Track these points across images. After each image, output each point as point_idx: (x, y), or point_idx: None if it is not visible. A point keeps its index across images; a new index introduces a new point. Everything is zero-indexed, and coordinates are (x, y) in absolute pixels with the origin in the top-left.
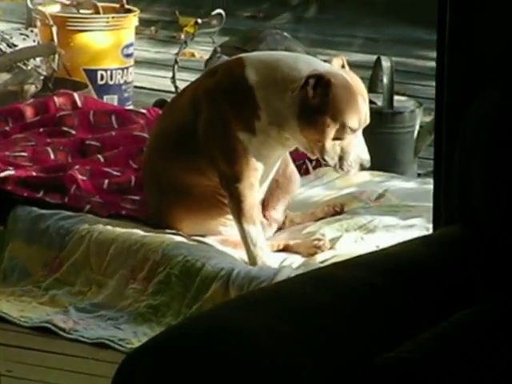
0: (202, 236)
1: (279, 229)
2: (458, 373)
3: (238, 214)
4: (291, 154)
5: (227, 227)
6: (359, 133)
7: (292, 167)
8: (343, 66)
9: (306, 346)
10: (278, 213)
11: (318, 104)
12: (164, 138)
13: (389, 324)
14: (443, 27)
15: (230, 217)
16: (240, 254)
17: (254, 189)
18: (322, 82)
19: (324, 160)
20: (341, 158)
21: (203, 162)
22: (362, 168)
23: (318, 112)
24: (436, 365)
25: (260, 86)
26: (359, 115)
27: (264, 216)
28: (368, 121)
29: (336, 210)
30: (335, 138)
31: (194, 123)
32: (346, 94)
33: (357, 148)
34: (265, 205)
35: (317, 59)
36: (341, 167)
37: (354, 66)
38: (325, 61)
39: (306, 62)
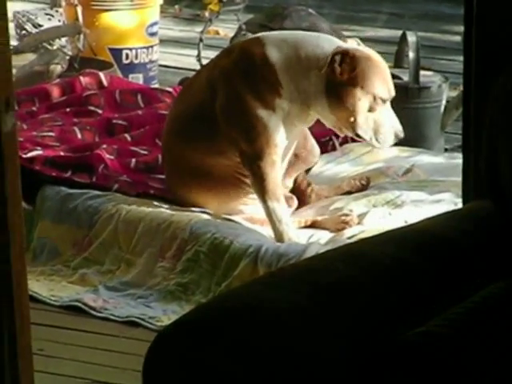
0: (227, 215)
1: (303, 203)
2: (487, 348)
3: (262, 192)
4: (317, 131)
5: (248, 206)
6: (389, 104)
7: (312, 140)
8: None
9: (336, 322)
10: (289, 181)
11: (346, 79)
12: (182, 120)
13: (418, 300)
14: (470, 0)
15: (251, 196)
16: (268, 232)
17: (275, 166)
18: (347, 58)
19: (357, 136)
20: (375, 132)
21: (223, 143)
22: (397, 139)
23: (347, 87)
24: (466, 340)
25: (282, 64)
26: (388, 85)
27: None
28: (393, 93)
29: (362, 184)
30: (368, 111)
31: (211, 104)
32: (372, 66)
33: (389, 119)
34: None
35: (337, 39)
36: (376, 140)
37: (379, 41)
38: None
39: (328, 40)
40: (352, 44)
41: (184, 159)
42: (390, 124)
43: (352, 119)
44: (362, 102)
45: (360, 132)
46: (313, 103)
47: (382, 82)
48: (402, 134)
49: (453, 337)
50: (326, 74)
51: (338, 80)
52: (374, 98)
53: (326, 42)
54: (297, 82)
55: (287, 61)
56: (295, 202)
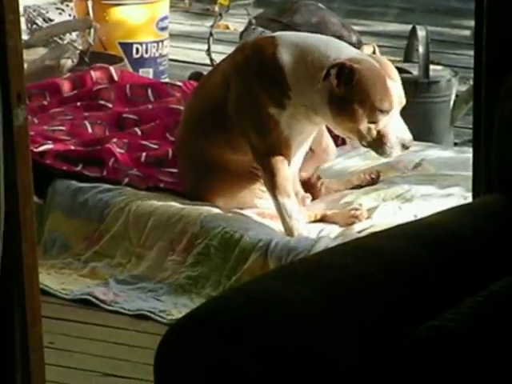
0: (239, 209)
1: (313, 197)
2: (497, 341)
3: (272, 188)
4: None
5: (262, 199)
6: (395, 114)
7: (328, 138)
8: (374, 53)
9: (347, 318)
10: (306, 174)
11: (344, 92)
12: (197, 113)
13: (429, 294)
14: None
15: (264, 189)
16: (278, 226)
17: (286, 162)
18: (344, 70)
19: (363, 145)
20: (380, 142)
21: (236, 137)
22: (406, 148)
23: (345, 100)
24: (476, 333)
25: (291, 68)
26: (389, 96)
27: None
28: (403, 102)
29: (372, 178)
30: (369, 123)
31: (225, 99)
32: (371, 78)
33: (395, 129)
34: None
35: (348, 45)
36: (382, 151)
37: (389, 36)
38: (358, 47)
39: (337, 48)
40: (367, 50)
41: (198, 152)
42: (395, 134)
43: (354, 130)
44: (360, 114)
45: (363, 142)
46: (318, 110)
47: (381, 93)
48: (410, 144)
49: (463, 330)
50: (327, 85)
51: (337, 93)
52: (374, 110)
53: (334, 50)
54: (304, 87)
55: (296, 65)
56: (308, 201)
